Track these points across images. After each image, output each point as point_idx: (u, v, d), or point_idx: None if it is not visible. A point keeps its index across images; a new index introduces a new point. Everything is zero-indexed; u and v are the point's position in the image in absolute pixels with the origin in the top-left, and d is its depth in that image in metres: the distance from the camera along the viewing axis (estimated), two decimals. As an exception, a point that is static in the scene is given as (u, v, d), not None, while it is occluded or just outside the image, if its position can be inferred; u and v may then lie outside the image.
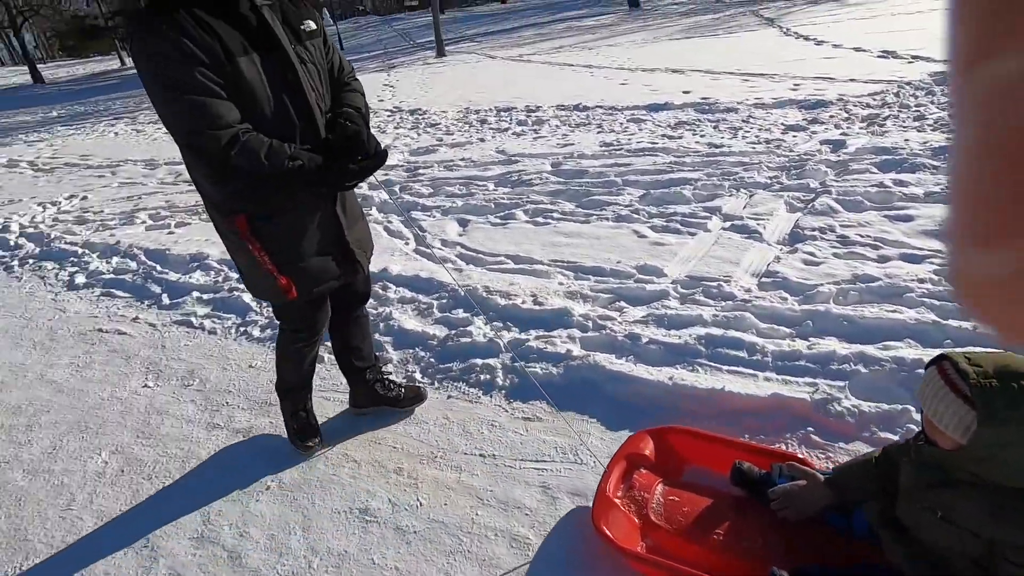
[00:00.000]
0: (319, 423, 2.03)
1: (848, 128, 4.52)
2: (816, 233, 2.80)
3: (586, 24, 22.40)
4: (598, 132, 5.53)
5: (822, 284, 2.33)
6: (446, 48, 18.08)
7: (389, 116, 8.02)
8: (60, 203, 5.45)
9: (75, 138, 10.06)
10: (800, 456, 1.55)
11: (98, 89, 26.66)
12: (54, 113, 17.07)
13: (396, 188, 4.59)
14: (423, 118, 7.47)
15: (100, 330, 3.03)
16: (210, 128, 1.24)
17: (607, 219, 3.41)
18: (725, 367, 1.96)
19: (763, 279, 2.49)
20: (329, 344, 2.07)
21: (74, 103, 20.61)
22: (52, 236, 4.44)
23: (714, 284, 2.47)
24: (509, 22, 27.47)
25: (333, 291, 1.74)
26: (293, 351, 1.85)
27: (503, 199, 3.99)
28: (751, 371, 1.91)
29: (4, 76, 35.24)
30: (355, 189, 1.56)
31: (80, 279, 3.62)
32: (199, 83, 1.21)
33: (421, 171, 4.97)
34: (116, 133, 9.94)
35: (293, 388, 1.97)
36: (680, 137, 4.94)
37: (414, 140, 6.31)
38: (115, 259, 3.84)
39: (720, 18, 18.31)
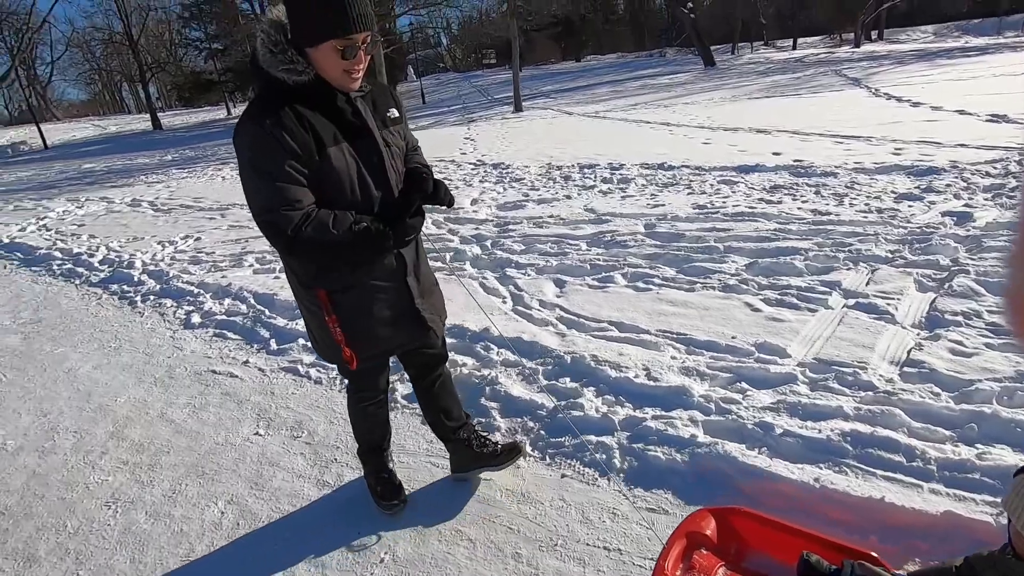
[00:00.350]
0: (426, 491, 1.97)
1: (971, 199, 4.21)
2: (959, 318, 2.55)
3: (661, 82, 22.65)
4: (688, 193, 5.44)
5: (980, 380, 2.08)
6: (523, 103, 18.71)
7: (473, 169, 8.26)
8: (176, 243, 5.87)
9: (188, 181, 10.96)
10: (874, 555, 1.40)
11: (206, 136, 29.27)
12: (169, 157, 18.76)
13: (487, 243, 4.65)
14: (507, 172, 7.64)
15: (214, 371, 3.15)
16: (283, 207, 1.34)
17: (713, 288, 3.27)
18: (879, 471, 1.76)
19: (905, 368, 2.27)
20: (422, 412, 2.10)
21: (186, 148, 22.65)
22: (170, 274, 4.75)
23: (848, 371, 2.27)
24: (583, 79, 28.19)
25: (409, 355, 1.86)
26: (360, 411, 1.94)
27: (598, 260, 3.93)
28: (913, 480, 1.70)
29: (130, 122, 39.51)
30: (441, 245, 1.76)
31: (196, 318, 3.82)
32: (285, 172, 1.33)
33: (511, 227, 5.02)
34: (223, 178, 10.75)
35: (370, 450, 2.03)
36: (779, 202, 4.76)
37: (500, 194, 6.43)
38: (227, 300, 4.05)
39: (800, 77, 18.05)
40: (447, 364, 2.02)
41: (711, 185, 5.61)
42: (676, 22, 34.75)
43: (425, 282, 1.73)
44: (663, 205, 5.09)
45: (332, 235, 1.38)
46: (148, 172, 13.81)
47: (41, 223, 8.15)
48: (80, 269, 5.40)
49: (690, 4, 25.32)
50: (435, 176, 1.64)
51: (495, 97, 25.58)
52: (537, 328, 3.06)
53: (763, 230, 4.06)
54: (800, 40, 33.13)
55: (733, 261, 3.59)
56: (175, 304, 4.14)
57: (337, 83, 1.38)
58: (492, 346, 2.91)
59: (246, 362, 3.20)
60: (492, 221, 5.30)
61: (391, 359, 1.90)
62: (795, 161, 6.11)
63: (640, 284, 3.46)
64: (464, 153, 10.16)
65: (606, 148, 8.59)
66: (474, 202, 6.18)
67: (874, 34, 32.37)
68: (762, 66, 24.50)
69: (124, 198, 9.51)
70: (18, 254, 6.48)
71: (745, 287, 3.21)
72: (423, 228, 1.60)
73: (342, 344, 1.59)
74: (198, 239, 5.92)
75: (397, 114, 1.57)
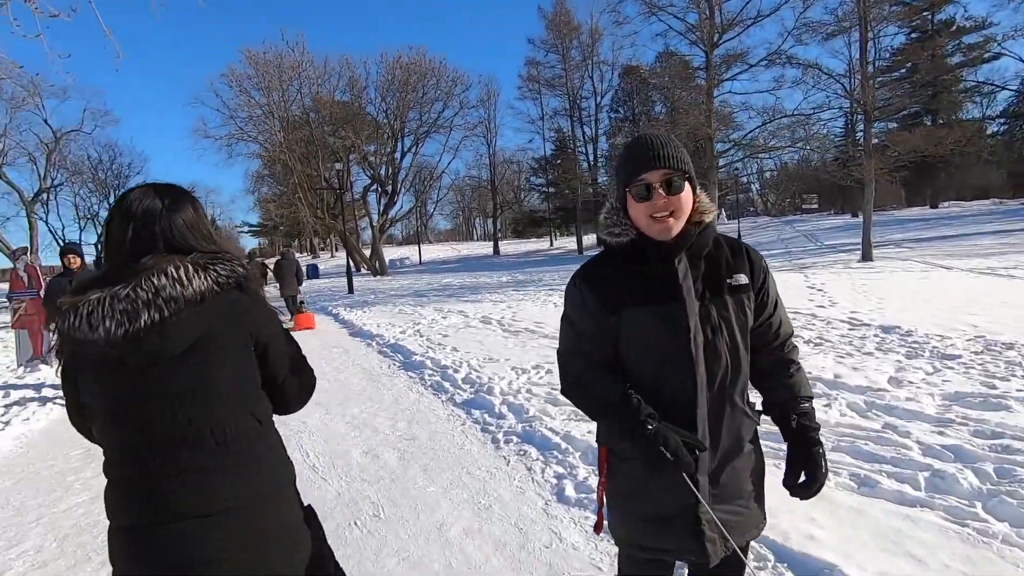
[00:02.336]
0: None
1: None
2: None
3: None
4: None
5: None
6: (873, 252, 15.79)
7: (852, 329, 6.46)
8: (529, 372, 5.63)
9: (525, 304, 11.67)
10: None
11: (533, 263, 33.28)
12: (505, 279, 21.29)
13: (973, 474, 2.93)
14: (915, 341, 5.64)
15: (604, 593, 2.23)
16: (570, 354, 1.38)
17: None
18: None
19: None
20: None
21: (516, 272, 25.74)
22: (529, 411, 4.31)
23: None
24: (941, 228, 23.15)
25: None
26: None
27: None
28: None
29: (476, 248, 48.53)
30: (757, 449, 1.41)
31: (569, 489, 3.08)
32: (581, 322, 1.34)
33: (1006, 446, 3.18)
34: (555, 304, 11.11)
35: None
36: None
37: (936, 375, 4.55)
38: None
39: None
40: None
41: None
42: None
43: (728, 483, 1.33)
44: None
45: (588, 398, 1.36)
46: (491, 291, 15.57)
47: (416, 328, 9.32)
48: (446, 384, 5.49)
49: None
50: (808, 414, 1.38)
51: (826, 244, 22.73)
52: None
53: None
54: None
55: None
56: (541, 458, 3.54)
57: (651, 233, 1.28)
58: None
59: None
60: (957, 423, 3.53)
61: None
62: None
63: None
64: (822, 306, 8.36)
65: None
66: (896, 382, 4.46)
67: None
68: None
69: (476, 314, 10.46)
70: (400, 356, 7.23)
71: None
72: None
73: (599, 509, 1.46)
74: (549, 371, 5.58)
75: (744, 280, 1.32)
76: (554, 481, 3.21)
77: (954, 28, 29.76)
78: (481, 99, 36.50)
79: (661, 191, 1.24)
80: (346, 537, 2.79)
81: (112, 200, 36.24)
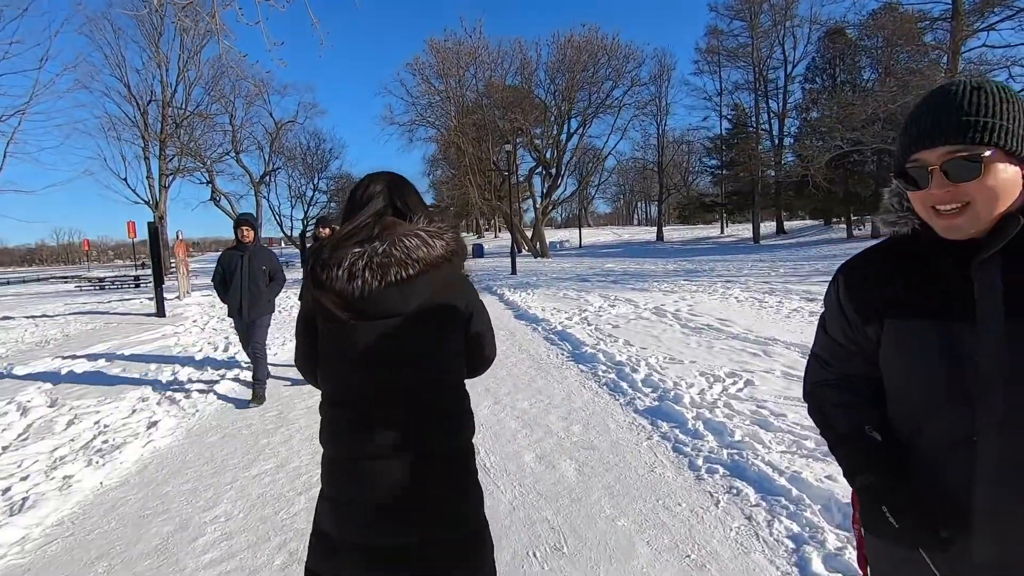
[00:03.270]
0: None
1: None
2: None
3: None
4: None
5: None
6: None
7: None
8: (723, 380, 4.75)
9: (700, 296, 10.49)
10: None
11: (699, 250, 30.92)
12: (671, 267, 19.87)
13: None
14: None
15: None
16: (813, 356, 1.16)
17: None
18: None
19: None
20: None
21: (682, 259, 23.98)
22: (735, 436, 3.49)
23: None
24: None
25: None
26: None
27: None
28: None
29: (637, 233, 46.66)
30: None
31: (816, 563, 2.26)
32: (831, 326, 1.09)
33: None
34: (736, 299, 9.78)
35: None
36: None
37: None
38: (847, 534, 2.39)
39: None
40: None
41: None
42: None
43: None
44: None
45: (818, 417, 1.11)
46: (658, 279, 14.46)
47: (583, 315, 8.80)
48: (624, 385, 4.85)
49: None
50: None
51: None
52: None
53: None
54: None
55: None
56: (763, 505, 2.74)
57: (936, 228, 0.91)
58: None
59: None
60: None
61: None
62: None
63: None
64: None
65: None
66: None
67: None
68: None
69: (647, 303, 9.61)
70: (567, 345, 6.75)
71: None
72: None
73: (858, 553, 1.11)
74: (748, 382, 4.64)
75: None
76: (789, 543, 2.41)
77: None
78: (652, 75, 34.51)
79: (942, 176, 0.86)
80: (524, 572, 2.33)
81: (317, 181, 41.43)
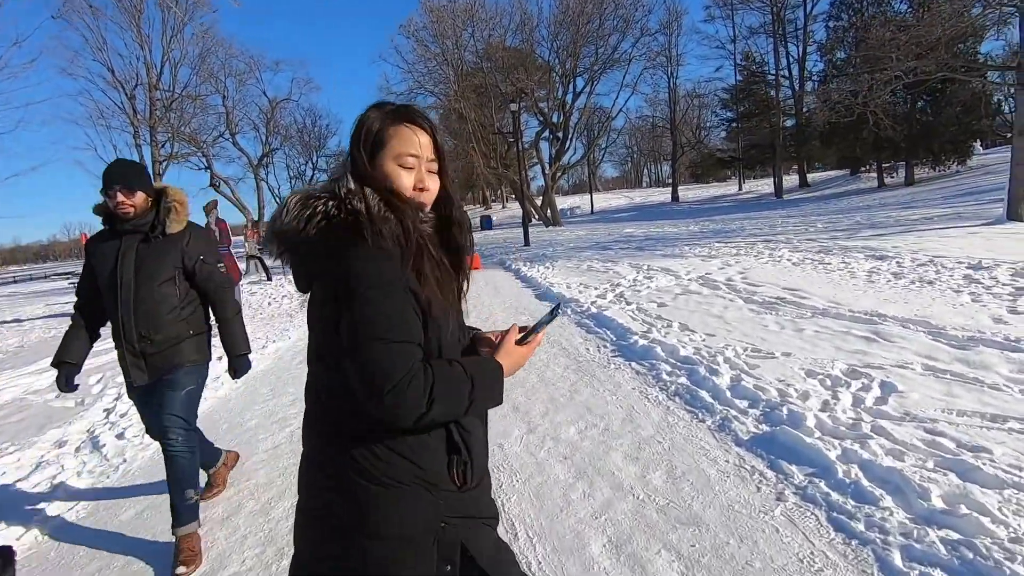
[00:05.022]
0: None
1: None
2: None
3: None
4: None
5: None
6: None
7: None
8: (847, 384, 3.36)
9: (744, 259, 9.02)
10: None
11: (717, 209, 29.12)
12: (694, 227, 18.30)
13: None
14: None
15: None
16: None
17: None
18: None
19: None
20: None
21: (703, 219, 22.32)
22: (933, 500, 2.13)
23: None
24: None
25: None
26: None
27: None
28: None
29: (651, 195, 44.70)
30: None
31: None
32: None
33: None
34: (792, 261, 8.30)
35: None
36: None
37: None
38: None
39: None
40: None
41: None
42: None
43: None
44: None
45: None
46: (687, 243, 12.95)
47: (617, 291, 7.40)
48: (704, 395, 3.48)
49: None
50: None
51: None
52: None
53: None
54: None
55: None
56: None
57: None
58: None
59: None
60: None
61: None
62: None
63: None
64: None
65: None
66: None
67: None
68: None
69: (688, 273, 8.17)
70: (609, 333, 5.37)
71: None
72: None
73: None
74: (886, 386, 3.25)
75: None
76: None
77: None
78: (662, 24, 32.10)
79: None
80: None
81: (316, 159, 39.74)
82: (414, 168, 1.07)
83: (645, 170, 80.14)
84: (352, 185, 1.02)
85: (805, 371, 3.63)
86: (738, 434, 2.95)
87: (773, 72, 29.89)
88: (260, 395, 4.74)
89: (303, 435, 1.10)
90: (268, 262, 11.95)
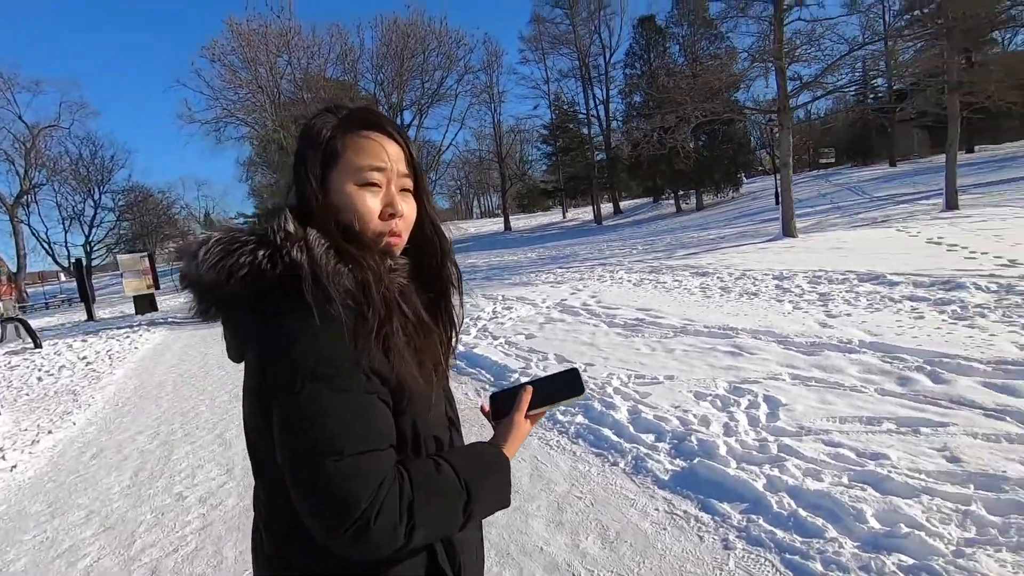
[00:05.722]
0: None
1: None
2: None
3: None
4: None
5: None
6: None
7: None
8: (737, 402, 3.40)
9: (590, 283, 9.41)
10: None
11: (549, 237, 30.86)
12: (532, 255, 19.04)
13: None
14: None
15: None
16: None
17: None
18: None
19: None
20: None
21: (538, 247, 23.45)
22: (874, 522, 2.11)
23: None
24: (1015, 169, 20.69)
25: None
26: None
27: None
28: None
29: (483, 225, 46.14)
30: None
31: None
32: None
33: None
34: (632, 283, 8.87)
35: None
36: None
37: None
38: None
39: None
40: None
41: None
42: None
43: None
44: None
45: None
46: (532, 270, 13.31)
47: (479, 325, 7.09)
48: (609, 434, 3.25)
49: None
50: None
51: (876, 196, 20.39)
52: None
53: None
54: None
55: None
56: None
57: None
58: None
59: None
60: None
61: None
62: None
63: None
64: (972, 258, 6.20)
65: None
66: None
67: None
68: None
69: (544, 300, 8.21)
70: (485, 373, 4.97)
71: None
72: None
73: None
74: (770, 400, 3.36)
75: None
76: None
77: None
78: (484, 63, 33.65)
79: None
80: None
81: (99, 196, 33.46)
82: (381, 187, 0.78)
83: (475, 201, 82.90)
84: (291, 227, 0.73)
85: (694, 394, 3.64)
86: (657, 474, 2.76)
87: (584, 111, 33.11)
88: (30, 516, 3.41)
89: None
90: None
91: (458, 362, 5.51)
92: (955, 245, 8.04)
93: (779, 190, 13.50)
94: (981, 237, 8.43)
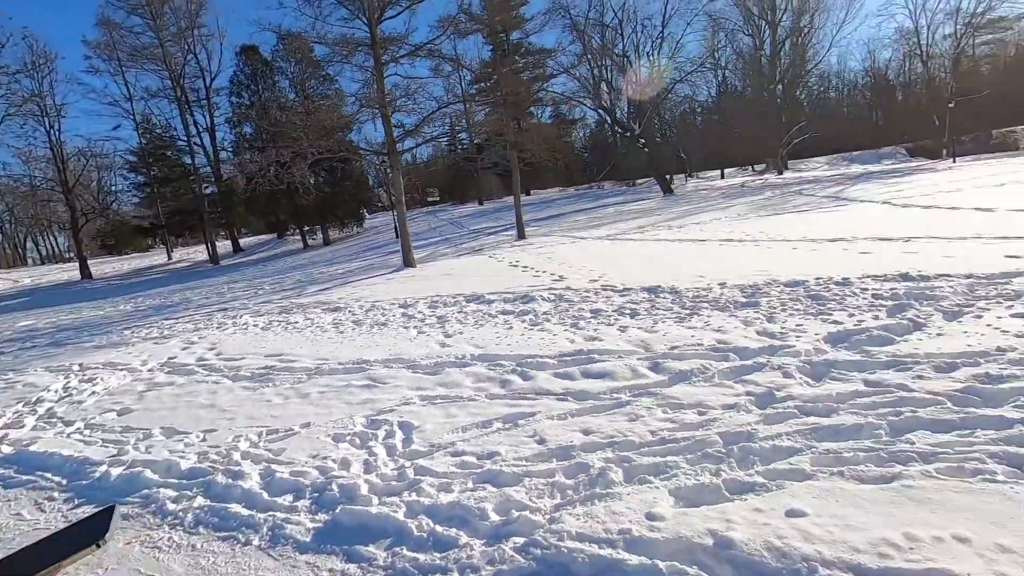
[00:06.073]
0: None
1: None
2: None
3: (633, 208, 23.09)
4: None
5: None
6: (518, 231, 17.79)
7: (623, 295, 6.52)
8: (375, 436, 3.40)
9: (211, 332, 8.21)
10: None
11: (150, 283, 25.62)
12: (128, 307, 15.43)
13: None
14: (678, 297, 5.98)
15: None
16: None
17: None
18: None
19: None
20: None
21: (134, 295, 19.19)
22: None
23: None
24: (552, 209, 28.24)
25: None
26: None
27: None
28: None
29: (45, 274, 34.49)
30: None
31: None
32: None
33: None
34: (260, 327, 8.17)
35: None
36: None
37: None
38: None
39: (771, 198, 18.91)
40: None
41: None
42: (609, 162, 37.47)
43: None
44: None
45: None
46: (122, 327, 10.69)
47: (39, 411, 5.16)
48: (239, 509, 2.76)
49: (642, 142, 26.78)
50: None
51: (472, 229, 24.68)
52: None
53: None
54: (726, 171, 36.28)
55: None
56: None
57: None
58: None
59: None
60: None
61: None
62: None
63: None
64: (558, 278, 8.48)
65: (667, 271, 7.74)
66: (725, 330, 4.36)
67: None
68: (713, 192, 25.95)
69: (147, 362, 6.64)
70: (54, 476, 3.60)
71: None
72: None
73: None
74: (408, 426, 3.51)
75: None
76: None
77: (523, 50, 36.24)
78: (25, 64, 25.61)
79: None
80: None
81: None
82: None
83: (29, 242, 62.02)
84: None
85: (332, 437, 3.50)
86: (297, 538, 2.50)
87: (185, 138, 28.90)
88: None
89: None
90: None
91: (2, 470, 3.87)
92: (527, 267, 10.36)
93: (396, 225, 14.73)
94: (543, 259, 11.15)
